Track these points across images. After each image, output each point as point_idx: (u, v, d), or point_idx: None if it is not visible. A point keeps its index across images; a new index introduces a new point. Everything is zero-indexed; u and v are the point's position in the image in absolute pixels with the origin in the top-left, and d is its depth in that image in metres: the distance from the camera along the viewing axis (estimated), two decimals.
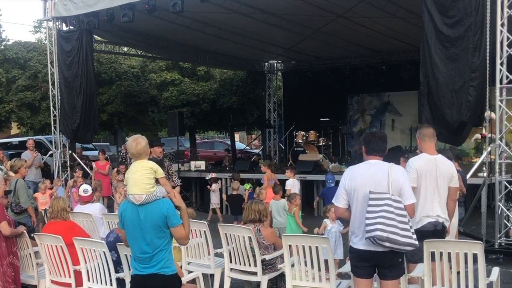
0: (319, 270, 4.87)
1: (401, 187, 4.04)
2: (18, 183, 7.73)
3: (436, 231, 4.82)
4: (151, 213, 3.78)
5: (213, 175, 11.58)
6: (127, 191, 3.97)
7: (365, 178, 4.11)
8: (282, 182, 9.55)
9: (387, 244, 3.89)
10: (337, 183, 9.99)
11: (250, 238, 5.39)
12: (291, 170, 9.82)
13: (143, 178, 3.79)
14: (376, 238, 3.89)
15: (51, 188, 10.05)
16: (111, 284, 5.14)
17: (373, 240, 3.93)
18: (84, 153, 15.35)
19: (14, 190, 7.65)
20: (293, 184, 9.31)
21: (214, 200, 11.19)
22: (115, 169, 12.03)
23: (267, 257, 5.44)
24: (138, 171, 3.85)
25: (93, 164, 12.59)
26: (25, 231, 5.77)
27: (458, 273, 4.31)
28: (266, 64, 18.66)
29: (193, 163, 14.13)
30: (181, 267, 5.76)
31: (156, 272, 3.82)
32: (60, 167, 12.51)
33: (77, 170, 10.49)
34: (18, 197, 7.64)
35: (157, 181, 3.88)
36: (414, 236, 3.97)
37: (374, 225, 3.91)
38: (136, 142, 3.88)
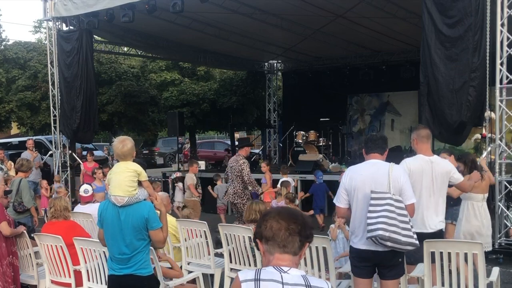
0: (319, 270, 4.87)
1: (402, 186, 4.05)
2: (22, 182, 7.72)
3: (433, 234, 4.80)
4: (131, 215, 3.79)
5: (178, 174, 11.68)
6: (108, 191, 3.98)
7: (365, 177, 4.11)
8: (277, 181, 9.94)
9: (389, 243, 3.90)
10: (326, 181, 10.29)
11: (250, 238, 5.39)
12: (283, 169, 10.46)
13: (126, 180, 3.80)
14: (378, 237, 3.90)
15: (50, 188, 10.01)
16: None
17: (375, 240, 3.93)
18: (84, 153, 15.34)
19: (17, 189, 7.64)
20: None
21: (178, 198, 11.16)
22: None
23: None
24: (121, 172, 3.85)
25: (81, 166, 12.51)
26: (25, 231, 5.77)
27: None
28: (266, 64, 18.65)
29: None
30: (181, 267, 5.77)
31: (132, 272, 3.84)
32: (60, 167, 12.50)
33: (96, 172, 10.27)
34: (20, 196, 7.63)
35: (140, 183, 3.89)
36: (415, 236, 3.98)
37: (375, 224, 3.91)
38: (123, 143, 3.87)
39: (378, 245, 3.95)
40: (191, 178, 9.69)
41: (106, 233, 3.93)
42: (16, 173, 8.35)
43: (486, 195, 6.14)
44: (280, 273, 2.07)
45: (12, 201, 7.60)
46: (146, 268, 3.89)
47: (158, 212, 3.94)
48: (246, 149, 8.35)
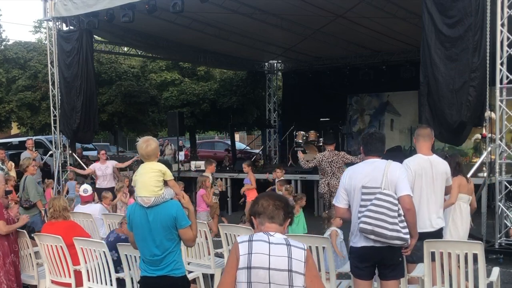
0: (319, 270, 4.86)
1: (397, 180, 4.02)
2: (26, 179, 8.01)
3: (434, 232, 4.83)
4: (160, 215, 3.77)
5: None
6: (135, 193, 3.97)
7: (364, 176, 4.11)
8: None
9: (372, 237, 3.93)
10: None
11: None
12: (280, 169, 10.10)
13: (151, 180, 3.79)
14: (360, 230, 3.95)
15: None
16: (111, 284, 5.14)
17: (361, 234, 3.97)
18: (84, 153, 15.35)
19: (23, 186, 7.95)
20: None
21: None
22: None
23: None
24: (146, 173, 3.84)
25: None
26: (25, 231, 5.78)
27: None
28: (266, 64, 18.65)
29: (193, 163, 14.12)
30: None
31: (166, 274, 3.81)
32: (60, 167, 12.50)
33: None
34: (27, 193, 7.85)
35: (165, 183, 3.88)
36: (405, 231, 3.95)
37: (361, 218, 3.97)
38: (147, 143, 3.87)
39: (370, 240, 3.96)
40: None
41: (136, 236, 3.91)
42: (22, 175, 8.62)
43: (471, 197, 6.15)
44: (268, 236, 2.74)
45: (20, 197, 8.01)
46: (179, 268, 3.87)
47: (186, 210, 3.93)
48: (334, 144, 9.31)
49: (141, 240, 3.87)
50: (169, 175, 3.91)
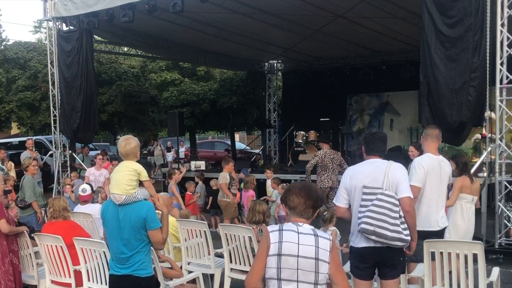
0: None
1: (398, 181, 4.01)
2: (24, 179, 8.04)
3: (439, 232, 4.88)
4: (129, 214, 3.78)
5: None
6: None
7: (365, 176, 4.10)
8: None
9: (373, 237, 3.92)
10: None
11: (250, 238, 5.39)
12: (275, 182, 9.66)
13: (124, 179, 3.80)
14: (361, 231, 3.94)
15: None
16: None
17: (362, 234, 3.97)
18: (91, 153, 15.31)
19: (20, 186, 8.01)
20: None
21: None
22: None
23: None
24: (121, 171, 3.87)
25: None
26: (25, 231, 5.77)
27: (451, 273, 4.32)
28: (266, 64, 18.66)
29: (193, 163, 14.11)
30: (181, 267, 5.77)
31: (130, 273, 3.81)
32: (60, 167, 12.49)
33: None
34: (23, 192, 7.87)
35: (141, 183, 3.88)
36: (406, 232, 3.94)
37: (361, 218, 3.95)
38: (126, 142, 3.87)
39: (370, 240, 3.96)
40: (224, 177, 9.30)
41: (107, 232, 3.95)
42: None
43: (476, 198, 6.19)
44: (297, 226, 2.96)
45: (17, 196, 8.03)
46: (145, 269, 3.85)
47: (160, 212, 3.93)
48: (330, 144, 9.96)
49: (111, 237, 3.89)
50: (145, 176, 3.90)
